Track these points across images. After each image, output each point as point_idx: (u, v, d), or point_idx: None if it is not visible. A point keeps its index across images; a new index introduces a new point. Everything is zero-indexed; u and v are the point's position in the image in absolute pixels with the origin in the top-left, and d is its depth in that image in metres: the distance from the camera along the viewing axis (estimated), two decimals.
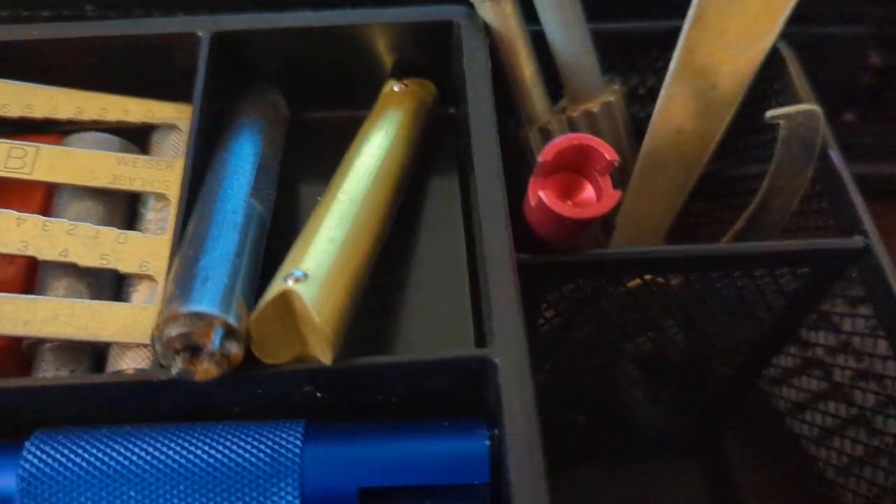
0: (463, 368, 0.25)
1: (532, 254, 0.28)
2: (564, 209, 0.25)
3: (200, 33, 0.32)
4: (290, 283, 0.24)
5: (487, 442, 0.25)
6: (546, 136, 0.35)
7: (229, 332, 0.24)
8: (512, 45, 0.34)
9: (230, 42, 0.33)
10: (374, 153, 0.30)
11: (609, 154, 0.25)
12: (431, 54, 0.34)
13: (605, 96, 0.35)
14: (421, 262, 0.31)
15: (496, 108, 0.31)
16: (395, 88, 0.34)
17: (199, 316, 0.23)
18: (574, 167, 0.26)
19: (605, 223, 0.36)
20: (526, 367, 0.25)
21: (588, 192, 0.26)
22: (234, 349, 0.24)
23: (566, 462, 0.45)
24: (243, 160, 0.30)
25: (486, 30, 0.33)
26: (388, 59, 0.35)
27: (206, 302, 0.24)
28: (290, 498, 0.25)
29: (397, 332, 0.30)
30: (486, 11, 0.33)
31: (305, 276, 0.24)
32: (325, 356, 0.24)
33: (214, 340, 0.24)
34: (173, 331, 0.23)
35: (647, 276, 0.32)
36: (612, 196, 0.25)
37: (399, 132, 0.31)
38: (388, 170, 0.30)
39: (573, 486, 0.43)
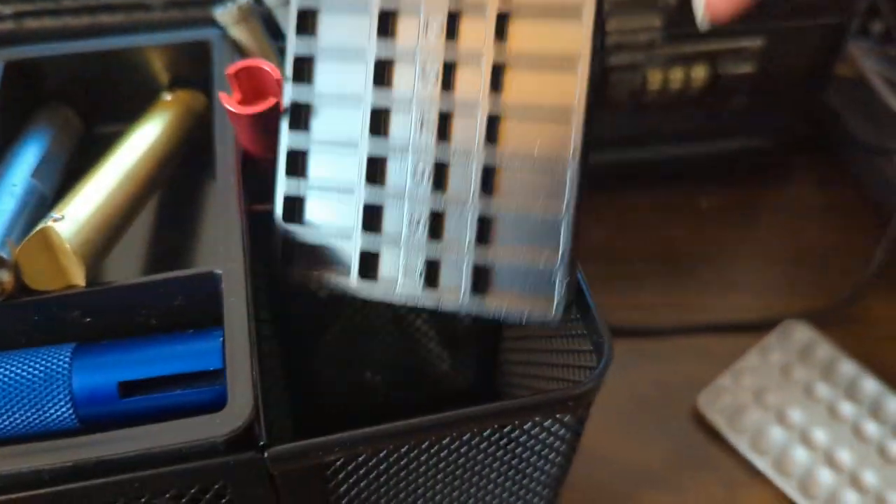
0: (198, 282, 0.33)
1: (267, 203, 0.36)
2: (231, 104, 0.33)
3: None
4: (50, 222, 0.31)
5: (221, 339, 0.32)
6: None
7: (1, 263, 0.31)
8: (261, 57, 0.42)
9: (23, 69, 0.41)
10: (136, 140, 0.38)
11: (276, 74, 0.34)
12: (196, 69, 0.42)
13: None
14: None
15: None
16: (167, 98, 0.42)
17: None
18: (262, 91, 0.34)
19: None
20: (241, 277, 0.32)
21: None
22: (5, 276, 0.31)
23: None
24: (28, 153, 0.37)
25: (239, 46, 0.42)
26: (163, 76, 0.43)
27: None
28: (61, 400, 0.31)
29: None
30: (236, 31, 0.42)
31: (63, 217, 0.32)
32: (80, 279, 0.31)
33: None
34: None
35: None
36: (270, 101, 0.33)
37: (163, 126, 0.39)
38: (148, 150, 0.37)
39: None
